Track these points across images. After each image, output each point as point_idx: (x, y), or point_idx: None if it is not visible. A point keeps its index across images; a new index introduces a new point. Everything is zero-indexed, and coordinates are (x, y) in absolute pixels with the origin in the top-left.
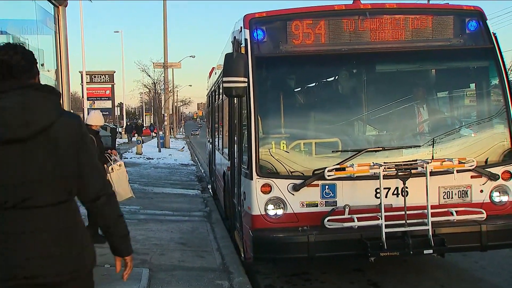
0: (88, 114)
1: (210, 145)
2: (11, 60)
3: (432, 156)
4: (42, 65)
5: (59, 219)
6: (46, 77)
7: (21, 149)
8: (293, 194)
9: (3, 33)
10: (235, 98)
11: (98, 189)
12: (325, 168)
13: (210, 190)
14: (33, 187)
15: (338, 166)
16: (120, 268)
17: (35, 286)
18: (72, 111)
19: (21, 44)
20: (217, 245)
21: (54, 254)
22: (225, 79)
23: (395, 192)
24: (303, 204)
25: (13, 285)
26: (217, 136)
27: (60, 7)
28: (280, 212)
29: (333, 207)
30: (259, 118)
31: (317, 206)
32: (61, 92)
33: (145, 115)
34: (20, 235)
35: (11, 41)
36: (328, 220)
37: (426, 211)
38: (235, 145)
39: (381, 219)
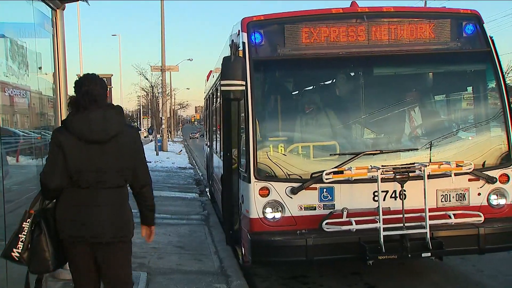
0: None
1: (208, 148)
2: (94, 91)
3: (430, 159)
4: (40, 68)
5: (118, 198)
6: (44, 80)
7: (99, 148)
8: (291, 198)
9: (1, 37)
10: (233, 101)
11: (145, 180)
12: (323, 171)
13: (208, 193)
14: (103, 174)
15: (336, 169)
16: (145, 233)
17: (94, 244)
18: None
19: (94, 74)
20: (215, 248)
21: (112, 222)
22: (223, 82)
23: (393, 195)
24: (301, 207)
25: (81, 241)
26: (215, 139)
27: (58, 10)
28: (278, 215)
29: (331, 210)
30: (257, 121)
31: (315, 209)
32: (58, 95)
33: (143, 118)
34: (91, 207)
35: (9, 45)
36: (326, 223)
37: (424, 214)
38: (233, 149)
39: (379, 222)
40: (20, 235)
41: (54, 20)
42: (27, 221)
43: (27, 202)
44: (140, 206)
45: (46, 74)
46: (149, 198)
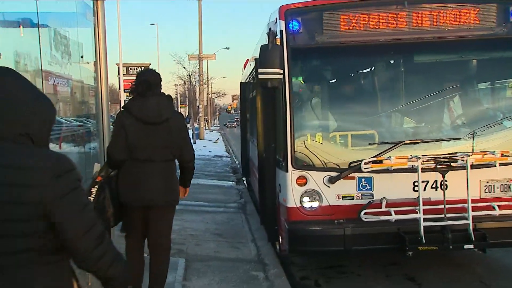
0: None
1: (244, 137)
2: (149, 80)
3: (473, 149)
4: (82, 57)
5: (167, 170)
6: (86, 69)
7: (153, 128)
8: (329, 187)
9: (45, 26)
10: (270, 90)
11: (189, 157)
12: (362, 160)
13: (245, 182)
14: (155, 150)
15: (375, 159)
16: (181, 192)
17: (149, 207)
18: (110, 103)
19: (152, 68)
20: (252, 236)
21: (164, 189)
22: (260, 70)
23: (434, 186)
24: (339, 197)
25: (138, 204)
26: (251, 127)
27: (99, 0)
28: (315, 204)
29: (370, 200)
30: (294, 110)
31: (353, 199)
32: (99, 84)
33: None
34: (147, 177)
35: (52, 35)
36: (364, 213)
37: (466, 205)
38: (270, 137)
39: (419, 212)
40: (89, 198)
41: (95, 10)
42: (95, 186)
43: None
44: (182, 174)
45: (87, 63)
46: (191, 170)
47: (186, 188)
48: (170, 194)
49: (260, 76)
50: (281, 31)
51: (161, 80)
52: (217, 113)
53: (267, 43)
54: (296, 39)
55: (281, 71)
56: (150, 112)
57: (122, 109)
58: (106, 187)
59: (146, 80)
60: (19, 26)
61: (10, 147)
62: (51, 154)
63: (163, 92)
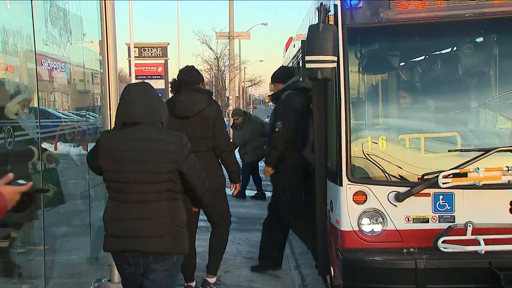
0: None
1: None
2: (188, 78)
3: None
4: (84, 35)
5: (206, 160)
6: (88, 50)
7: (187, 122)
8: (395, 206)
9: None
10: (321, 82)
11: (224, 147)
12: (440, 172)
13: None
14: (192, 142)
15: (457, 171)
16: (232, 190)
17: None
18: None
19: (191, 66)
20: (295, 262)
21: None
22: (308, 57)
23: None
24: (408, 219)
25: None
26: None
27: None
28: (378, 228)
29: (450, 224)
30: (352, 107)
31: (428, 222)
32: (106, 68)
33: None
34: None
35: (48, 7)
36: (443, 241)
37: None
38: (319, 140)
39: None
40: None
41: None
42: None
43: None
44: (225, 168)
45: (92, 42)
46: (228, 162)
47: (234, 183)
48: (215, 181)
49: (308, 65)
50: (335, 6)
51: (197, 78)
52: (252, 106)
53: (316, 22)
54: (355, 16)
55: (335, 58)
56: (181, 107)
57: None
58: None
59: (182, 80)
60: None
61: (156, 129)
62: (176, 134)
63: (200, 88)
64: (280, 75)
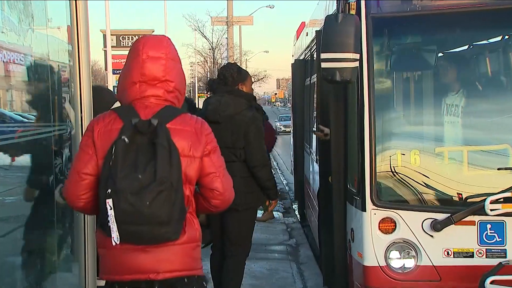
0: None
1: (298, 145)
2: (227, 74)
3: None
4: (49, 20)
5: (238, 169)
6: (54, 39)
7: (216, 126)
8: (431, 236)
9: None
10: (340, 84)
11: (255, 160)
12: (487, 195)
13: (297, 212)
14: (222, 151)
15: (509, 194)
16: (269, 206)
17: (228, 209)
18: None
19: (233, 63)
20: None
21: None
22: (324, 55)
23: None
24: (448, 253)
25: None
26: (308, 131)
27: None
28: (410, 263)
29: (501, 260)
30: (377, 115)
31: (472, 256)
32: (76, 60)
33: (198, 96)
34: None
35: None
36: (492, 282)
37: None
38: (337, 155)
39: None
40: None
41: None
42: None
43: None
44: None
45: (58, 28)
46: (261, 178)
47: (271, 200)
48: (244, 198)
49: (325, 65)
50: None
51: (234, 78)
52: None
53: (335, 11)
54: (382, 4)
55: (357, 56)
56: (211, 109)
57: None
58: None
59: (216, 78)
60: None
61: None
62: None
63: (237, 89)
64: None
